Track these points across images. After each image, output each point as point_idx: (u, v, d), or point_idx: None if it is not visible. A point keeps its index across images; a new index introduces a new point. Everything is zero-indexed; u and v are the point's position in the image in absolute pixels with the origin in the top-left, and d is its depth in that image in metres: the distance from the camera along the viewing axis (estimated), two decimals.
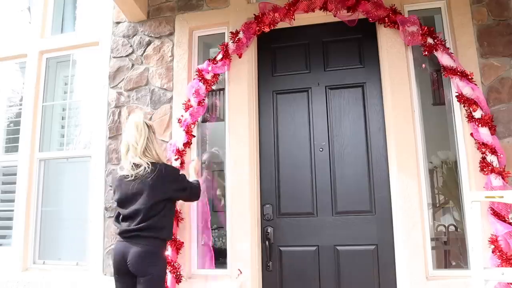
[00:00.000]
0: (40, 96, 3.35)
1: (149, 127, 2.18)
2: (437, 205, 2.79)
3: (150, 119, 2.90)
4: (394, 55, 2.59)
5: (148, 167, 2.05)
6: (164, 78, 2.97)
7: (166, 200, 2.10)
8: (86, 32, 3.40)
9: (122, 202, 2.11)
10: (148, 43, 3.09)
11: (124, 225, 2.06)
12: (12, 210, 3.20)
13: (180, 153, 2.67)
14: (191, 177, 2.49)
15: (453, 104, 2.53)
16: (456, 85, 2.41)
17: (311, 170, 2.68)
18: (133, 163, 2.08)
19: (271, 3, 2.71)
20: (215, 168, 2.98)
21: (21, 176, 3.19)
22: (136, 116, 2.25)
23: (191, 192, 2.27)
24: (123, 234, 2.06)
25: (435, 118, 2.69)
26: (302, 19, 2.75)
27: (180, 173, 2.27)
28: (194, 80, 2.78)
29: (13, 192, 3.23)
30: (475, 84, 2.37)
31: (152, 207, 2.03)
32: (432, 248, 2.46)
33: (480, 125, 2.30)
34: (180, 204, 2.57)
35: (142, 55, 3.09)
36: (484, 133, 2.29)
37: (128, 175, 2.08)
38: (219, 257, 2.84)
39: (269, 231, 2.64)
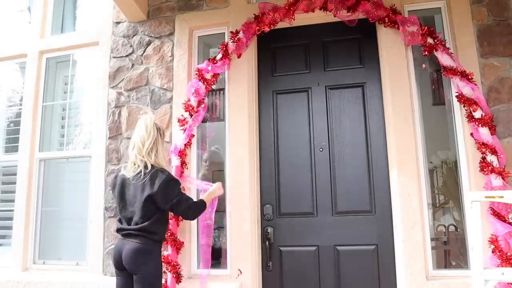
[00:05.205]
0: (40, 96, 3.35)
1: (158, 129, 2.21)
2: (437, 205, 2.80)
3: None
4: (394, 55, 2.59)
5: (146, 169, 2.06)
6: (164, 78, 2.97)
7: (156, 206, 2.06)
8: (86, 32, 3.40)
9: (120, 203, 2.14)
10: (148, 43, 3.09)
11: (123, 224, 2.12)
12: (12, 210, 3.20)
13: (180, 153, 2.67)
14: (203, 195, 2.35)
15: (453, 104, 2.53)
16: (456, 85, 2.41)
17: (311, 170, 2.67)
18: (134, 162, 2.11)
19: (271, 3, 2.71)
20: (215, 168, 2.98)
21: (21, 176, 3.20)
22: (147, 116, 2.25)
23: (179, 205, 2.08)
24: (120, 231, 2.11)
25: (435, 118, 2.69)
26: (302, 19, 2.75)
27: (175, 183, 2.14)
28: (194, 80, 2.78)
29: (13, 192, 3.23)
30: (475, 84, 2.37)
31: (144, 212, 2.03)
32: (432, 248, 2.46)
33: (480, 125, 2.30)
34: None
35: (142, 55, 3.09)
36: (484, 133, 2.29)
37: (128, 176, 2.11)
38: (219, 257, 2.83)
39: (269, 231, 2.64)
